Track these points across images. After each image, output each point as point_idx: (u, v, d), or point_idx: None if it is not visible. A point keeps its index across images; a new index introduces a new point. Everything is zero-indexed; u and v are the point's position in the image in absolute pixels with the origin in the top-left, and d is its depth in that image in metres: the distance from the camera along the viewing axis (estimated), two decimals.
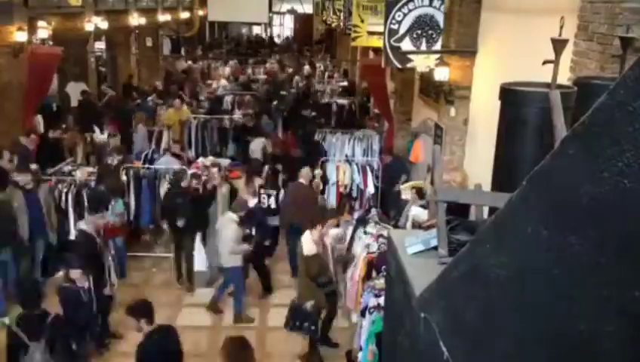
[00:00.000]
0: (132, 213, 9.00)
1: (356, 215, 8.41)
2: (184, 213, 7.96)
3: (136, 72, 18.59)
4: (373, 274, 6.40)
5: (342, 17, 16.76)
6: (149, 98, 15.22)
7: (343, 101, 15.72)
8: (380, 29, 8.92)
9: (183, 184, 8.40)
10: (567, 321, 1.03)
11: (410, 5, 8.03)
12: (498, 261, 1.30)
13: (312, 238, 6.45)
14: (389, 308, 2.67)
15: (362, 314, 5.95)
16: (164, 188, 8.98)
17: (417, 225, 6.94)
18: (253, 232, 7.88)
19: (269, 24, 34.08)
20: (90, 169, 9.45)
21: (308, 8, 31.60)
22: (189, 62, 22.33)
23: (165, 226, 8.58)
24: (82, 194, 8.38)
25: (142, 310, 4.93)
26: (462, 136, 8.43)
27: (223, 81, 18.35)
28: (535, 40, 4.12)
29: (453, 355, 1.55)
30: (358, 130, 12.06)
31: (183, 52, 24.74)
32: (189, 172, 9.10)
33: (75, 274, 5.86)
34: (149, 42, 19.32)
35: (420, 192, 7.95)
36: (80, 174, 9.16)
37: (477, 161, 7.72)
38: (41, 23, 10.87)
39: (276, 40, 35.73)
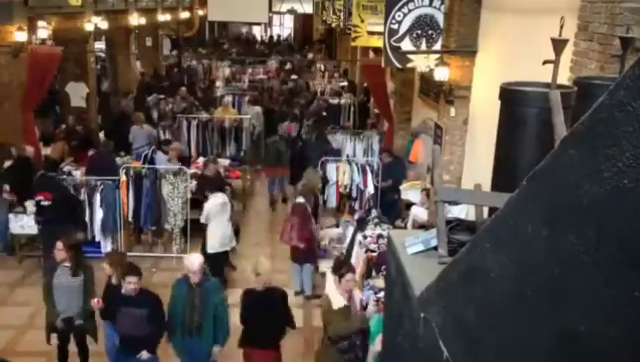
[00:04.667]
0: (131, 212, 9.00)
1: (356, 215, 8.43)
2: None
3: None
4: (373, 273, 6.41)
5: (342, 17, 16.72)
6: (149, 98, 15.20)
7: (343, 101, 15.70)
8: (380, 29, 8.91)
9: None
10: (567, 321, 1.03)
11: (410, 5, 8.03)
12: (498, 261, 1.30)
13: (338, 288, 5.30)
14: (389, 308, 2.67)
15: None
16: (165, 188, 8.96)
17: (417, 225, 6.93)
18: None
19: (269, 24, 34.03)
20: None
21: (308, 8, 31.51)
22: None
23: None
24: None
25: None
26: (462, 135, 8.42)
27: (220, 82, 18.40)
28: (535, 40, 4.13)
29: (453, 355, 1.55)
30: (358, 130, 12.07)
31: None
32: (189, 172, 9.09)
33: None
34: (149, 42, 19.33)
35: (429, 194, 7.93)
36: (79, 174, 9.17)
37: (477, 161, 7.71)
38: (41, 23, 10.87)
39: (276, 40, 35.69)
